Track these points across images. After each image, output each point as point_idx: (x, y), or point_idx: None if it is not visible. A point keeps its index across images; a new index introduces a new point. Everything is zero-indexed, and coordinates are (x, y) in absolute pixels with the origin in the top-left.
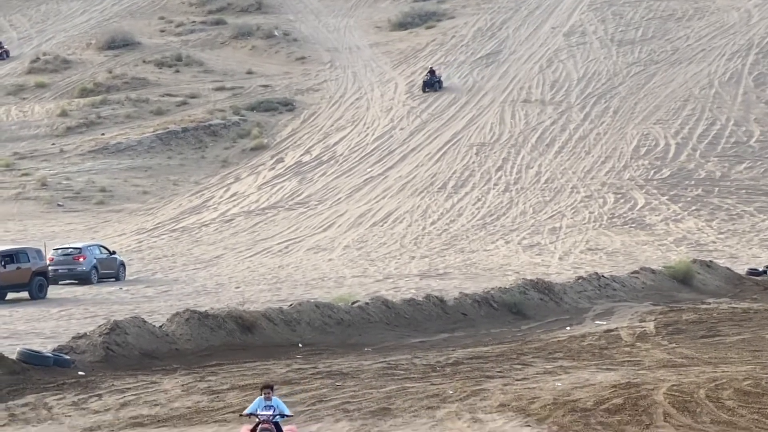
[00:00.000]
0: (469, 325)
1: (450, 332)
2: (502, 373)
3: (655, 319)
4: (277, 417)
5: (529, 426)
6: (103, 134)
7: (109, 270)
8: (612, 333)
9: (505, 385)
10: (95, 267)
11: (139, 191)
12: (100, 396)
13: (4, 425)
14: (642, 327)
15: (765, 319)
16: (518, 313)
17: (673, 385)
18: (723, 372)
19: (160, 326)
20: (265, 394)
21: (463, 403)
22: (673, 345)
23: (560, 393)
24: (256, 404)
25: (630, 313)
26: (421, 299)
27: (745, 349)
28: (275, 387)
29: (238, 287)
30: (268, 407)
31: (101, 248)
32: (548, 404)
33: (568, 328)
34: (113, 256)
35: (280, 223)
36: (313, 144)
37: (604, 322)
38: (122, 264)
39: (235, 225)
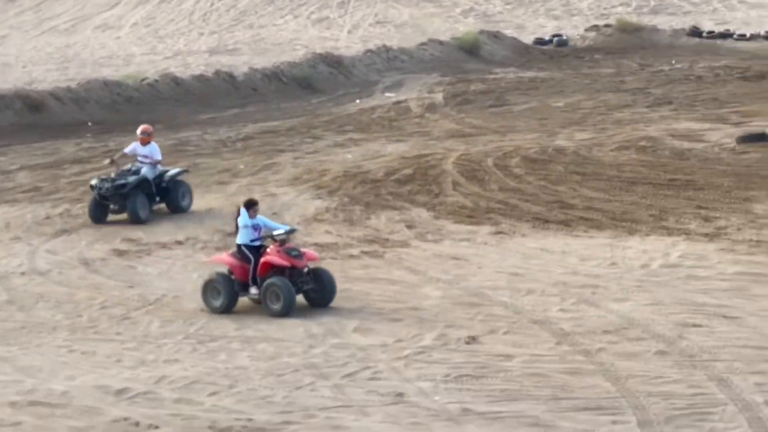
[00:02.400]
0: (259, 100)
1: (240, 107)
2: (293, 147)
3: (443, 90)
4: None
5: (320, 198)
6: None
7: None
8: (401, 104)
9: (296, 158)
10: None
11: None
12: None
13: None
14: (431, 98)
15: (551, 88)
16: (308, 87)
17: (462, 155)
18: (510, 141)
19: None
20: (252, 211)
21: (254, 177)
22: (462, 115)
23: (351, 165)
24: (244, 221)
25: (419, 84)
26: (210, 75)
27: (532, 117)
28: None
29: (24, 67)
30: (257, 227)
31: None
32: (339, 176)
33: (357, 101)
34: None
35: (66, 2)
36: None
37: (393, 94)
38: None
39: (19, 4)
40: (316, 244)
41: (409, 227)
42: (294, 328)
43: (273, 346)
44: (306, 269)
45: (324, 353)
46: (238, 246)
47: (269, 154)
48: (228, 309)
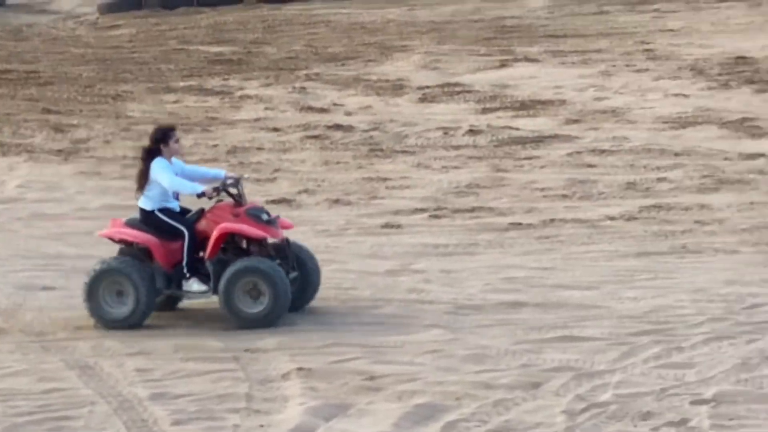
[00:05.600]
0: None
1: None
2: None
3: None
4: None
5: None
6: None
7: None
8: None
9: None
10: None
11: None
12: None
13: None
14: None
15: None
16: None
17: None
18: None
19: None
20: (167, 147)
21: None
22: None
23: None
24: (168, 166)
25: None
26: None
27: None
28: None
29: None
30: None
31: None
32: None
33: None
34: None
35: None
36: None
37: None
38: None
39: None
40: None
41: None
42: None
43: None
44: (286, 244)
45: None
46: (148, 213)
47: None
48: (142, 319)
